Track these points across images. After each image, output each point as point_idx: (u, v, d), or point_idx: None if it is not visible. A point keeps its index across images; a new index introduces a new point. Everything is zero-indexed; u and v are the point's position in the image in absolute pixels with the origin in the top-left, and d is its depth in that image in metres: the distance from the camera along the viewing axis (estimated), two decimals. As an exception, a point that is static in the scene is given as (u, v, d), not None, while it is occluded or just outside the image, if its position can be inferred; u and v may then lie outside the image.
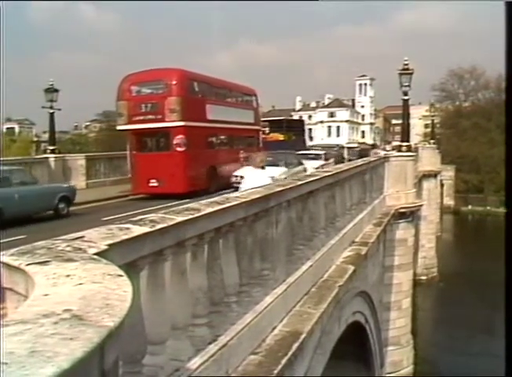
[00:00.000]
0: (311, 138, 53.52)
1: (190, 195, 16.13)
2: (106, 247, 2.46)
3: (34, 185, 15.68)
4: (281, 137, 33.32)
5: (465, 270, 33.18)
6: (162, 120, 19.45)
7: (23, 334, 1.26)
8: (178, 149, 19.37)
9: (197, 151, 19.84)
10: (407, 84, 19.72)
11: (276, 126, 35.71)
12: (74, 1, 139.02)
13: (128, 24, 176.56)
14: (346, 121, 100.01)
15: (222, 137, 23.15)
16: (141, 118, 19.80)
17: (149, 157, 19.72)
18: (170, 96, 19.47)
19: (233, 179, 19.22)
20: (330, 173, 8.45)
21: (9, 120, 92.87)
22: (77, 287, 1.63)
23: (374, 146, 67.58)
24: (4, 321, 1.36)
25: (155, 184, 19.32)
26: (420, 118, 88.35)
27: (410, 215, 16.21)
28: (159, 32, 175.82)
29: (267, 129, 33.79)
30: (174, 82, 19.68)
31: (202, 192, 17.31)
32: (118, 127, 21.06)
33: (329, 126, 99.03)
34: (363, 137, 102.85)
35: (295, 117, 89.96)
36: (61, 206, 15.99)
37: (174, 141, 19.42)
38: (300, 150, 29.70)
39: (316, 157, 28.90)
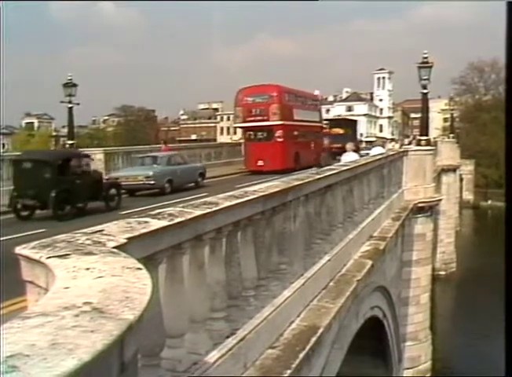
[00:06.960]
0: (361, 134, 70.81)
1: (285, 172, 22.28)
2: (125, 241, 2.47)
3: (185, 165, 22.53)
4: (341, 131, 43.50)
5: (485, 266, 32.75)
6: (267, 120, 28.28)
7: (45, 326, 1.27)
8: (278, 140, 28.07)
9: (289, 141, 28.38)
10: (426, 77, 19.52)
11: (336, 123, 48.61)
12: (94, 1, 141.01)
13: (147, 21, 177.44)
14: (364, 115, 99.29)
15: (301, 132, 30.72)
16: (252, 118, 28.75)
17: (258, 145, 28.38)
18: (272, 103, 28.37)
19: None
20: (348, 167, 8.40)
21: (28, 115, 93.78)
22: (97, 280, 1.64)
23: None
24: (25, 313, 1.37)
25: (261, 164, 27.72)
26: (439, 112, 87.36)
27: (429, 210, 16.04)
28: (176, 28, 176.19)
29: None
30: (275, 94, 28.72)
31: (290, 170, 23.49)
32: (235, 125, 31.31)
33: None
34: (381, 130, 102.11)
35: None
36: (199, 179, 22.70)
37: (276, 134, 28.09)
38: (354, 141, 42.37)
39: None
